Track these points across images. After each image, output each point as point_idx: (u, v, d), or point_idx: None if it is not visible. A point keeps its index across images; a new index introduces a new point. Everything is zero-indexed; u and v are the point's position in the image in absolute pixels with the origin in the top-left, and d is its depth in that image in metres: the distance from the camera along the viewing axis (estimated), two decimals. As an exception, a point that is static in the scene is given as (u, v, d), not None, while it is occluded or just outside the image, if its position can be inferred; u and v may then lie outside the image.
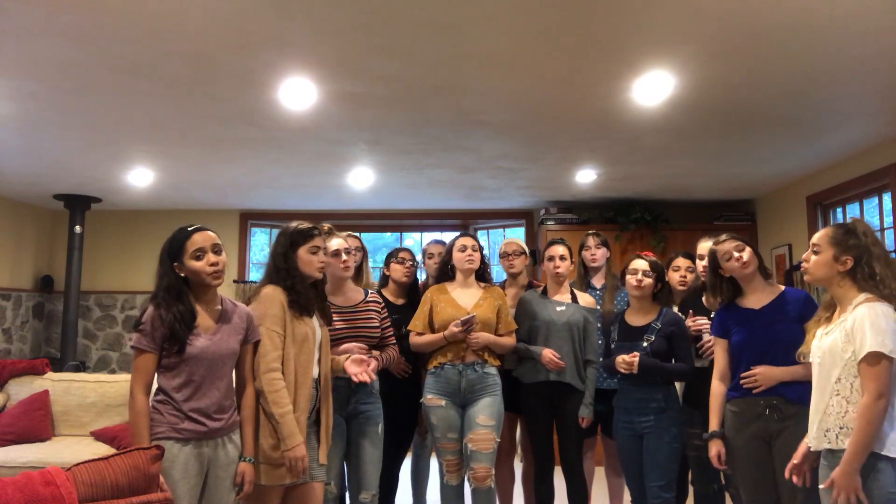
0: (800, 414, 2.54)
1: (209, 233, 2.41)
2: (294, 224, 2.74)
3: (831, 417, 2.20)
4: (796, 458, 2.37)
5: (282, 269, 2.66)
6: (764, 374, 2.62)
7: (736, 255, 2.74)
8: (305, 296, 2.66)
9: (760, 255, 2.82)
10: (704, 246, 3.17)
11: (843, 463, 2.11)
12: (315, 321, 2.73)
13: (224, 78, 3.25)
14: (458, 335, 3.17)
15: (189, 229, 2.40)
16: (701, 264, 3.18)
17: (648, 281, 3.12)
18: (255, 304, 2.60)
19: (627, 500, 3.36)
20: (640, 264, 3.16)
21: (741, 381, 2.67)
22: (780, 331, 2.65)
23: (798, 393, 2.58)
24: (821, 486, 2.20)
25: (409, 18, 2.67)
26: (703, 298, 3.20)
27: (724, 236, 2.82)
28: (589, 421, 3.35)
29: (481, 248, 3.43)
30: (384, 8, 2.58)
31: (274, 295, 2.60)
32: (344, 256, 3.07)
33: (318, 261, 2.71)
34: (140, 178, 5.29)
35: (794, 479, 2.36)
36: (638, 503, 3.15)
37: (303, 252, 2.67)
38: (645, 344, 3.05)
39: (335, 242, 3.07)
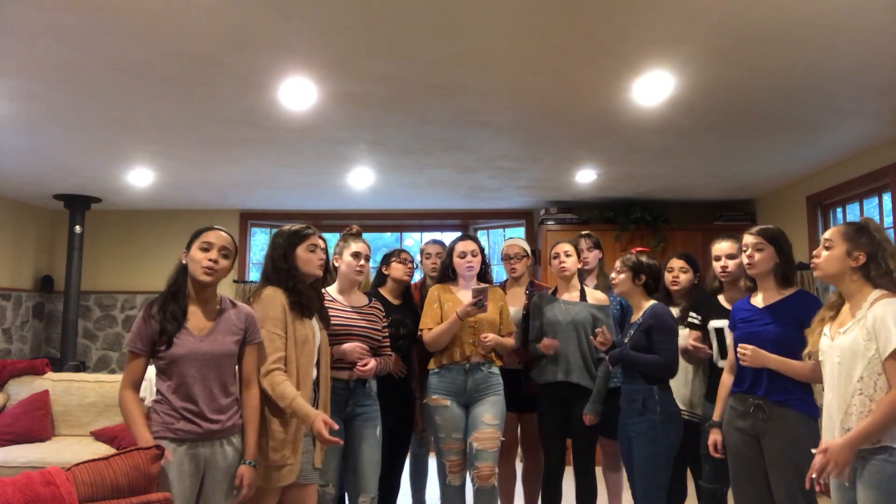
0: (783, 416, 2.58)
1: (224, 234, 2.46)
2: (288, 226, 2.77)
3: (854, 417, 2.18)
4: (813, 472, 2.34)
5: (282, 270, 2.67)
6: (754, 352, 2.61)
7: (748, 252, 2.74)
8: (307, 296, 2.68)
9: (787, 262, 2.73)
10: (719, 247, 3.17)
11: (847, 438, 2.12)
12: (315, 323, 2.74)
13: (224, 78, 3.25)
14: (471, 311, 3.16)
15: (212, 226, 2.48)
16: (718, 265, 3.16)
17: (620, 277, 3.13)
18: (256, 306, 2.61)
19: (628, 500, 3.36)
20: (615, 265, 3.19)
21: (738, 352, 2.68)
22: (770, 332, 2.65)
23: (783, 396, 2.60)
24: (812, 451, 2.23)
25: (409, 18, 2.67)
26: (721, 297, 3.20)
27: (755, 229, 2.76)
28: (593, 419, 3.33)
29: (482, 250, 3.43)
30: (384, 8, 2.58)
31: (275, 296, 2.61)
32: (362, 261, 3.14)
33: (318, 258, 2.74)
34: (140, 178, 5.29)
35: (817, 488, 2.35)
36: None
37: (301, 251, 2.70)
38: (626, 340, 3.08)
39: (360, 245, 3.16)
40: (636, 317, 3.14)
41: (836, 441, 2.15)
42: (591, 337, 3.24)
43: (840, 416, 2.22)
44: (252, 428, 2.44)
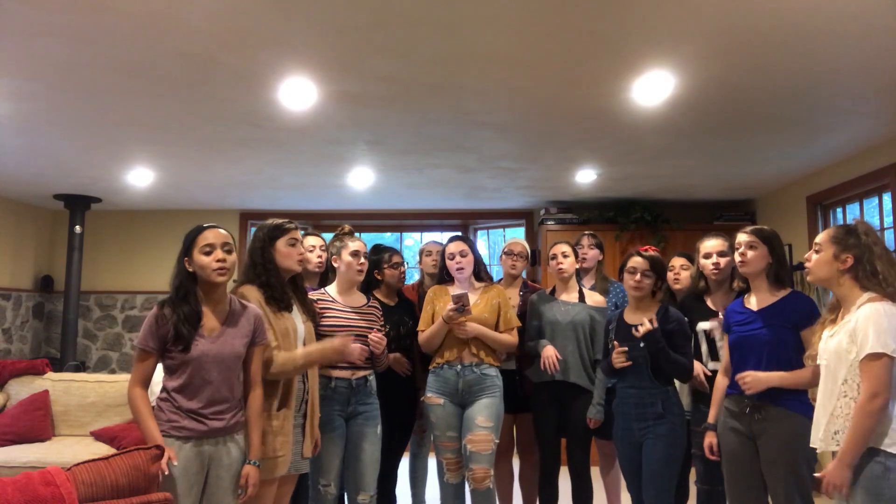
0: (779, 417, 2.58)
1: (221, 231, 2.45)
2: (269, 220, 2.78)
3: (839, 419, 2.20)
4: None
5: (258, 264, 2.69)
6: (754, 378, 2.61)
7: (741, 250, 2.74)
8: (280, 290, 2.69)
9: (780, 262, 2.73)
10: (709, 244, 3.15)
11: (837, 459, 2.15)
12: (297, 316, 2.75)
13: (224, 78, 3.25)
14: (453, 316, 3.16)
15: (203, 225, 2.44)
16: (709, 262, 3.12)
17: (648, 281, 3.07)
18: None
19: (627, 500, 3.36)
20: (640, 263, 3.06)
21: (737, 381, 2.68)
22: (766, 335, 2.65)
23: (779, 396, 2.60)
24: (815, 475, 2.24)
25: (409, 18, 2.67)
26: (707, 299, 3.18)
27: (749, 228, 2.76)
28: (597, 422, 3.34)
29: (473, 249, 3.41)
30: (384, 8, 2.58)
31: (249, 294, 2.63)
32: (362, 259, 3.13)
33: (297, 253, 2.76)
34: (140, 178, 5.29)
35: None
36: None
37: (281, 245, 2.72)
38: (641, 344, 3.01)
39: (355, 244, 3.16)
40: (645, 317, 3.05)
41: (830, 466, 2.17)
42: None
43: (825, 419, 2.24)
44: (256, 428, 2.46)
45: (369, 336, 3.03)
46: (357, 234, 3.58)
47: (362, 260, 3.16)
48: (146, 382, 2.35)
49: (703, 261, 3.16)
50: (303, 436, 2.75)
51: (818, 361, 2.35)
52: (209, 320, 2.38)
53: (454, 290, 3.38)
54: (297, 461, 2.72)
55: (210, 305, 2.41)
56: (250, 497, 2.40)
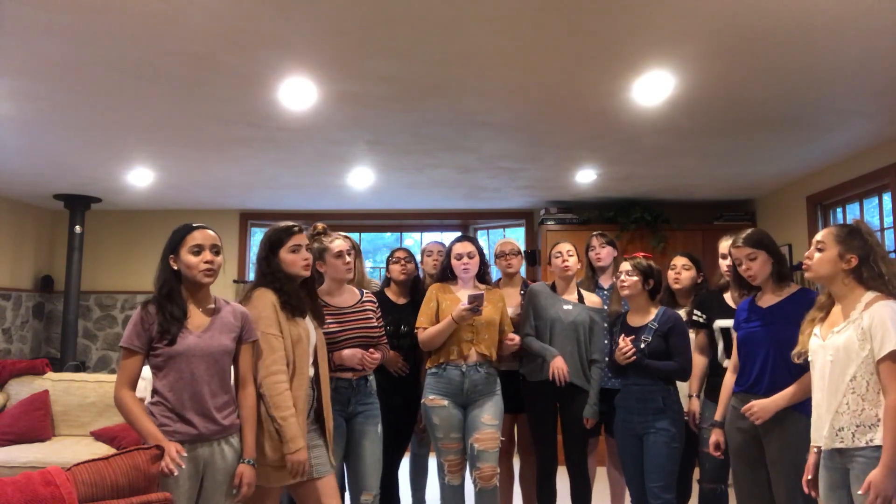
0: (783, 416, 2.58)
1: (210, 232, 2.43)
2: (272, 227, 2.74)
3: (845, 416, 2.18)
4: (809, 474, 2.34)
5: (267, 273, 2.66)
6: (761, 408, 2.60)
7: (743, 266, 2.75)
8: (296, 296, 2.65)
9: (780, 260, 2.75)
10: (723, 245, 3.22)
11: (882, 465, 2.08)
12: (309, 322, 2.73)
13: (224, 78, 3.25)
14: (466, 316, 3.15)
15: (193, 225, 2.42)
16: (724, 263, 3.20)
17: (632, 280, 3.13)
18: (247, 308, 2.59)
19: (629, 500, 3.36)
20: (623, 266, 3.19)
21: (743, 411, 2.68)
22: (772, 334, 2.66)
23: None
24: (859, 492, 2.13)
25: (409, 18, 2.67)
26: (727, 295, 3.21)
27: (740, 241, 2.75)
28: (593, 422, 3.37)
29: (480, 250, 3.42)
30: (384, 8, 2.58)
31: (264, 297, 2.60)
32: (347, 258, 3.09)
33: (302, 258, 2.70)
34: (140, 178, 5.29)
35: (813, 493, 2.32)
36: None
37: (284, 253, 2.67)
38: (642, 345, 3.07)
39: (339, 243, 3.08)
40: (643, 321, 3.15)
41: (874, 475, 2.08)
42: (618, 346, 3.13)
43: (830, 416, 2.23)
44: (250, 427, 2.44)
45: (364, 357, 2.98)
46: (354, 233, 3.56)
47: (347, 259, 3.08)
48: (133, 384, 2.34)
49: (720, 260, 3.27)
50: (320, 438, 2.70)
51: (810, 358, 2.35)
52: (195, 317, 2.38)
53: (458, 289, 3.37)
54: (321, 464, 2.65)
55: (195, 304, 2.40)
56: (245, 497, 2.38)
